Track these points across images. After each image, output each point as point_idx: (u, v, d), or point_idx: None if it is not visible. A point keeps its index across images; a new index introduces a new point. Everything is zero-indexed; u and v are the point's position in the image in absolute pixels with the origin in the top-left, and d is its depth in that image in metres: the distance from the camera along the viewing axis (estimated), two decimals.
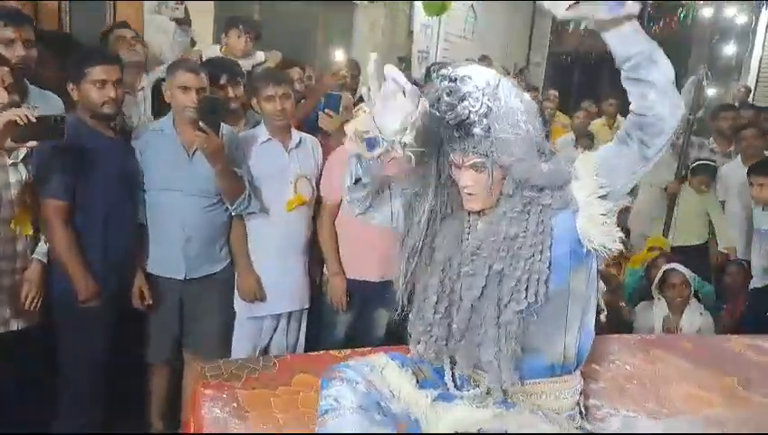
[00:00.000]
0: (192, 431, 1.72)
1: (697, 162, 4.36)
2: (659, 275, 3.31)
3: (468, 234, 1.47)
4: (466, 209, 1.46)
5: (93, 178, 2.27)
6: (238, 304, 2.65)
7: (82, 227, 2.27)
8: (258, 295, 2.61)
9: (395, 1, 6.44)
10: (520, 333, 1.37)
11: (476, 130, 1.31)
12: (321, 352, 2.10)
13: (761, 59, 9.42)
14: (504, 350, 1.37)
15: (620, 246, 1.37)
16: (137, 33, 3.31)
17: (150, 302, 2.49)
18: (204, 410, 1.66)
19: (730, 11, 9.72)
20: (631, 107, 1.32)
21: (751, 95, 8.85)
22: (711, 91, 10.02)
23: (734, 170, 4.20)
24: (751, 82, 9.38)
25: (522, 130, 1.33)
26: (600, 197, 1.34)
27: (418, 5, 6.61)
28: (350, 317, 2.83)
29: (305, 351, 2.75)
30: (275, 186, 2.62)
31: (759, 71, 9.44)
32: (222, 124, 2.42)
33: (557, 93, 6.91)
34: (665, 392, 1.92)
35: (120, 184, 2.38)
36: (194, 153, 2.44)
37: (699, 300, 3.33)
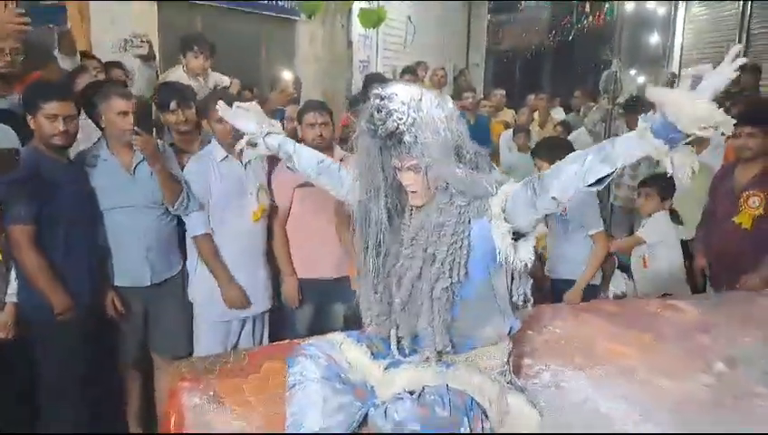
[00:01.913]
0: (173, 421, 1.90)
1: None
2: None
3: (409, 224, 1.71)
4: (411, 205, 1.70)
5: (53, 203, 2.41)
6: (209, 309, 2.82)
7: (47, 248, 2.41)
8: (244, 304, 2.80)
9: (332, 14, 6.64)
10: (449, 305, 1.63)
11: (407, 138, 1.53)
12: (287, 341, 2.31)
13: (681, 46, 10.00)
14: (437, 318, 1.63)
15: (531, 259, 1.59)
16: (100, 62, 3.49)
17: (123, 310, 2.68)
18: (183, 399, 1.85)
19: (651, 4, 10.31)
20: (547, 174, 1.51)
21: (676, 80, 9.38)
22: (641, 79, 10.65)
23: None
24: (675, 68, 9.93)
25: (440, 135, 1.55)
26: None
27: (355, 18, 6.88)
28: (309, 313, 3.05)
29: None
30: (236, 200, 2.79)
31: (681, 57, 10.00)
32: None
33: (504, 92, 6.98)
34: (590, 349, 2.16)
35: (78, 206, 2.53)
36: (134, 170, 2.66)
37: (623, 270, 3.64)
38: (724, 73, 1.29)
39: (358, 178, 1.73)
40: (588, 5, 10.42)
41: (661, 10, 10.25)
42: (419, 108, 1.55)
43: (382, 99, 1.56)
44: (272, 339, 2.98)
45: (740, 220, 3.05)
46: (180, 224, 2.81)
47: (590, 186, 1.44)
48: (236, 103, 2.09)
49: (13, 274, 2.44)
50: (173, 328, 2.81)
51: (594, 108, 4.94)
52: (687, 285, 3.44)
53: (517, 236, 1.57)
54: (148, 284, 2.71)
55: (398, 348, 1.76)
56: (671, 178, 1.40)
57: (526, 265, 1.58)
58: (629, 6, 10.09)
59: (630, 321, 2.39)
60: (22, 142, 2.45)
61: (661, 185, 3.38)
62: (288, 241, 2.98)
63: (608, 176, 1.41)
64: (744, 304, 2.56)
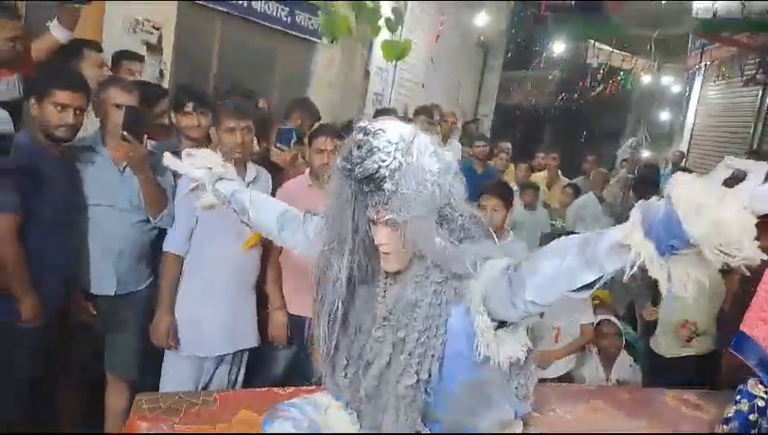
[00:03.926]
0: None
1: None
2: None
3: (383, 297, 1.42)
4: (384, 270, 1.40)
5: (38, 198, 2.21)
6: (183, 339, 2.53)
7: (29, 242, 2.20)
8: (164, 344, 2.48)
9: (354, 42, 6.53)
10: (417, 405, 1.33)
11: (387, 186, 1.25)
12: (265, 388, 2.06)
13: (693, 126, 10.02)
14: (402, 418, 1.33)
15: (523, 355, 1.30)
16: (100, 47, 3.27)
17: (95, 312, 2.46)
18: None
19: (666, 79, 10.38)
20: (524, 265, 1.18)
21: (684, 159, 9.37)
22: (646, 154, 10.65)
23: None
24: (684, 147, 9.94)
25: (427, 189, 1.27)
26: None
27: (377, 49, 6.77)
28: (290, 353, 2.79)
29: (244, 384, 2.68)
30: (230, 223, 2.46)
31: (691, 137, 10.02)
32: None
33: (509, 146, 6.88)
34: None
35: (62, 206, 2.33)
36: (125, 168, 2.46)
37: (630, 351, 3.44)
38: None
39: (324, 226, 1.43)
40: (601, 70, 10.42)
41: (676, 88, 10.31)
42: (409, 151, 1.26)
43: (366, 133, 1.28)
44: (246, 376, 2.71)
45: None
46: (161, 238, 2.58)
47: (576, 291, 1.10)
48: (186, 150, 1.88)
49: None
50: (129, 347, 2.55)
51: (614, 179, 4.78)
52: None
53: (504, 323, 1.26)
54: (113, 293, 2.48)
55: None
56: None
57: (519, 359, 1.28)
58: (645, 80, 10.15)
59: (645, 412, 2.20)
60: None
61: None
62: (281, 272, 2.74)
63: (596, 281, 1.07)
64: None
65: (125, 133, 2.32)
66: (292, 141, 3.21)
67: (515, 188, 5.80)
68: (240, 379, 2.71)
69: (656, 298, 3.44)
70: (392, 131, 1.28)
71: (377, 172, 1.25)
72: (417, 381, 1.30)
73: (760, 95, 8.27)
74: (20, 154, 2.08)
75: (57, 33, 2.86)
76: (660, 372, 3.37)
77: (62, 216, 2.32)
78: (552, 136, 11.90)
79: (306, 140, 3.03)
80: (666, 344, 3.35)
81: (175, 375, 2.51)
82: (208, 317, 2.51)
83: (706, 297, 3.13)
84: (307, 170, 2.88)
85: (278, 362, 2.79)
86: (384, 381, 1.35)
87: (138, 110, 2.47)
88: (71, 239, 2.39)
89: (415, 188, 1.25)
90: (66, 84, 2.24)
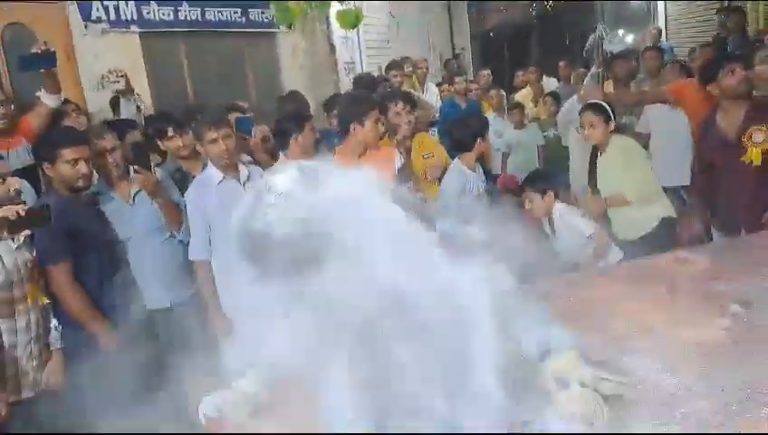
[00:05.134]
0: None
1: None
2: None
3: None
4: None
5: (83, 243, 2.54)
6: None
7: (87, 281, 2.55)
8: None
9: (311, 21, 6.67)
10: None
11: None
12: None
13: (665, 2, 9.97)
14: None
15: None
16: (77, 105, 3.57)
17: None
18: None
19: None
20: None
21: (663, 34, 9.36)
22: (629, 38, 10.60)
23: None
24: (661, 23, 9.89)
25: None
26: None
27: (335, 21, 6.91)
28: None
29: None
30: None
31: (666, 10, 9.97)
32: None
33: (489, 72, 7.05)
34: (606, 312, 2.17)
35: (104, 241, 2.68)
36: (133, 199, 2.75)
37: None
38: None
39: None
40: None
41: None
42: None
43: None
44: None
45: (750, 158, 3.06)
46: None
47: None
48: None
49: (53, 321, 2.50)
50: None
51: (588, 76, 4.96)
52: None
53: None
54: (168, 305, 2.81)
55: None
56: None
57: None
58: None
59: (643, 279, 2.41)
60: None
61: None
62: None
63: None
64: (751, 247, 2.58)
65: (136, 167, 2.61)
66: (253, 129, 3.50)
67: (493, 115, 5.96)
68: None
69: None
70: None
71: None
72: None
73: None
74: (60, 216, 2.38)
75: (47, 100, 3.17)
76: None
77: (106, 251, 2.65)
78: (538, 49, 11.90)
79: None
80: None
81: None
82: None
83: None
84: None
85: None
86: None
87: (141, 144, 2.77)
88: (119, 268, 2.71)
89: None
90: (71, 141, 2.54)
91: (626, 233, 3.40)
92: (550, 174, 3.71)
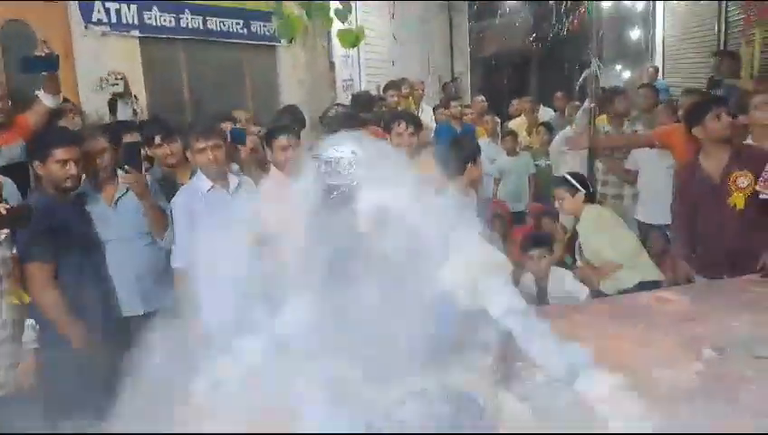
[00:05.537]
0: None
1: None
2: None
3: None
4: None
5: (66, 243, 2.52)
6: None
7: (66, 281, 2.53)
8: None
9: (312, 37, 6.72)
10: None
11: None
12: None
13: (663, 39, 10.09)
14: None
15: None
16: (74, 105, 3.57)
17: None
18: None
19: (629, 2, 10.43)
20: None
21: (660, 72, 9.47)
22: (626, 74, 10.72)
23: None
24: (658, 61, 10.02)
25: None
26: None
27: (336, 39, 6.97)
28: None
29: None
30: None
31: (664, 49, 10.09)
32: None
33: (483, 98, 7.16)
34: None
35: (87, 243, 2.66)
36: (116, 203, 2.74)
37: None
38: None
39: None
40: (564, 6, 10.51)
41: (640, 5, 10.36)
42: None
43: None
44: None
45: (734, 202, 3.11)
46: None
47: None
48: None
49: (28, 321, 2.47)
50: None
51: (580, 110, 5.03)
52: None
53: None
54: (141, 313, 2.77)
55: None
56: None
57: None
58: (606, 5, 10.21)
59: (621, 316, 2.41)
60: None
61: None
62: None
63: None
64: (731, 291, 2.60)
65: (127, 167, 2.63)
66: (246, 138, 3.53)
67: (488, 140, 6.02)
68: None
69: None
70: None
71: None
72: None
73: None
74: (44, 215, 2.39)
75: (46, 99, 3.19)
76: None
77: (89, 252, 2.64)
78: (536, 79, 12.03)
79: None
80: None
81: None
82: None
83: None
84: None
85: None
86: None
87: (133, 145, 2.78)
88: (99, 271, 2.70)
89: None
90: (63, 142, 2.55)
91: (606, 287, 3.43)
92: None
